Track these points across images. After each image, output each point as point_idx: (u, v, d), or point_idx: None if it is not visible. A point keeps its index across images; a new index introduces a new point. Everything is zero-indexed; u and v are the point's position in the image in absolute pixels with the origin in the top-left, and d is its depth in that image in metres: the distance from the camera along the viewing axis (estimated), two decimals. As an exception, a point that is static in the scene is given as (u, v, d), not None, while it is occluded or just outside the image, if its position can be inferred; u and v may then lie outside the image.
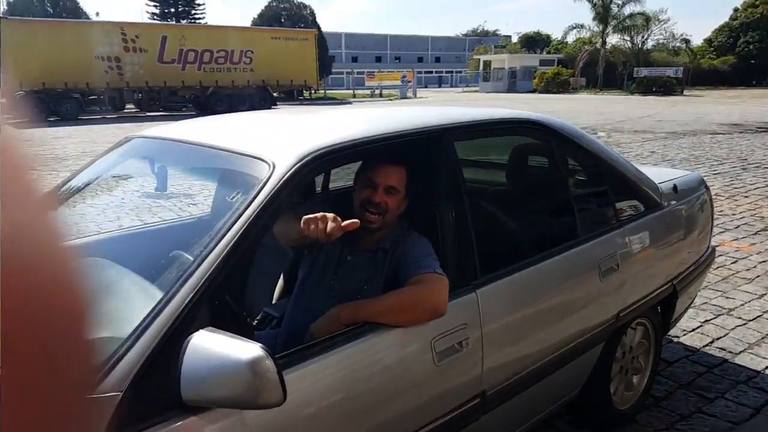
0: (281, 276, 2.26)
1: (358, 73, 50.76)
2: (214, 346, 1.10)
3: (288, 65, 25.94)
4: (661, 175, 2.86)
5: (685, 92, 38.62)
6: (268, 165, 1.44)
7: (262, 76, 25.52)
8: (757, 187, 7.76)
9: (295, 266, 2.06)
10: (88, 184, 2.03)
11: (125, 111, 25.26)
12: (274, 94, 27.04)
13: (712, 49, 51.38)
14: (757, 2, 48.76)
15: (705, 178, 8.61)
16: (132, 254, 2.01)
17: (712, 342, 3.30)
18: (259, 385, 1.07)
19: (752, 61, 47.69)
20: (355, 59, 71.38)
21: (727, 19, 51.66)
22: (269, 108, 25.30)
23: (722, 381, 2.88)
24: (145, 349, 1.11)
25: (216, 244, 1.26)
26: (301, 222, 1.48)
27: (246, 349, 1.08)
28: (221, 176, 1.96)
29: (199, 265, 1.22)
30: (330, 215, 1.46)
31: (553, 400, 2.13)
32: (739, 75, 47.24)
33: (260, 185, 1.38)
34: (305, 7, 51.73)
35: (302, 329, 1.61)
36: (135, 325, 1.16)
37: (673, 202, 2.67)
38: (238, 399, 1.09)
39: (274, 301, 2.24)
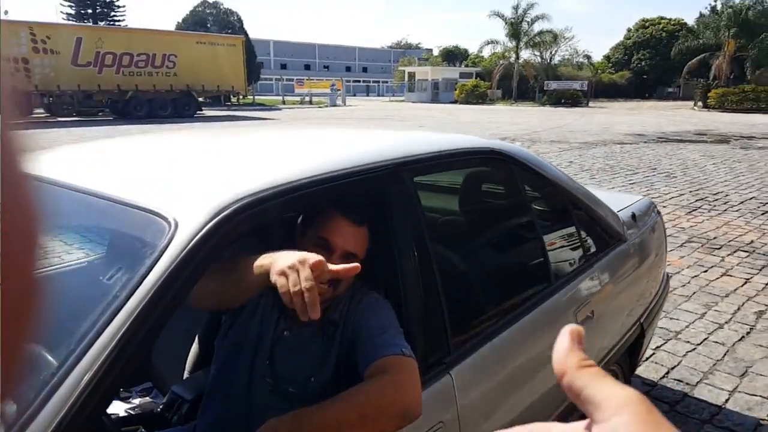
0: (196, 339, 1.81)
1: (287, 79, 50.16)
2: None
3: (214, 71, 25.36)
4: (612, 201, 2.63)
5: (590, 104, 41.05)
6: (169, 224, 1.01)
7: (187, 81, 24.71)
8: (672, 197, 8.02)
9: (213, 328, 1.61)
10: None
11: (33, 115, 23.35)
12: (200, 99, 26.07)
13: (610, 64, 56.80)
14: (647, 24, 54.46)
15: (623, 188, 8.82)
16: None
17: (668, 373, 3.15)
18: None
19: (644, 76, 53.48)
20: (284, 66, 70.67)
21: (621, 38, 56.79)
22: (193, 114, 24.35)
23: (687, 421, 2.70)
24: None
25: (73, 366, 0.82)
26: (276, 270, 1.03)
27: None
28: (103, 239, 1.46)
29: (42, 404, 0.79)
30: (314, 258, 1.03)
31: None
32: (635, 88, 53.08)
33: (153, 257, 0.95)
34: (232, 13, 50.66)
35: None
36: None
37: (633, 232, 2.46)
38: None
39: (186, 374, 1.79)
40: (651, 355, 3.33)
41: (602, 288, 2.05)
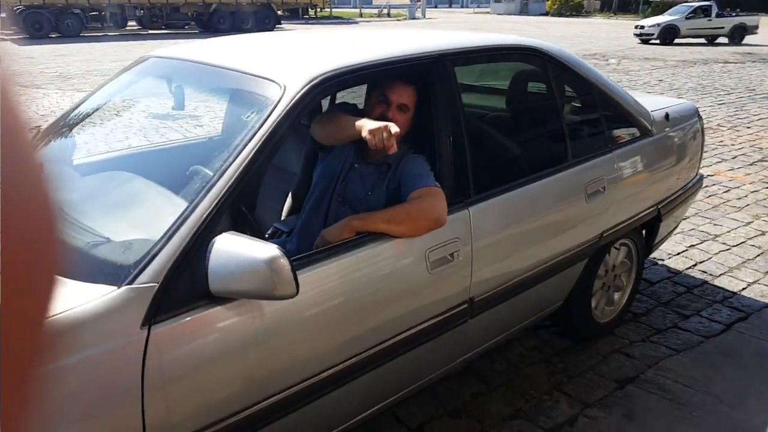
0: (289, 195, 2.41)
1: (365, -10, 48.86)
2: (236, 247, 1.27)
3: (293, -18, 25.22)
4: (655, 103, 2.94)
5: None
6: (280, 87, 1.56)
7: (266, -7, 24.85)
8: (761, 118, 7.78)
9: (302, 185, 2.20)
10: (108, 102, 2.15)
11: (127, 28, 24.78)
12: (279, 12, 26.37)
13: None
14: None
15: (710, 108, 8.63)
16: (154, 169, 2.15)
17: (695, 265, 3.50)
18: (276, 280, 1.25)
19: None
20: (362, -24, 68.51)
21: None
22: (273, 27, 24.88)
23: (699, 300, 3.09)
24: (176, 248, 1.28)
25: (234, 159, 1.41)
26: (366, 131, 1.61)
27: (264, 249, 1.25)
28: (235, 96, 2.06)
29: (219, 177, 1.38)
30: (394, 128, 1.59)
31: (537, 310, 2.34)
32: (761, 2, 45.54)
33: (272, 106, 1.51)
34: None
35: (311, 229, 1.80)
36: (164, 229, 1.33)
37: (665, 130, 2.78)
38: (258, 291, 1.28)
39: (282, 218, 2.41)
40: (683, 251, 3.68)
41: (618, 171, 2.44)
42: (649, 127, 2.66)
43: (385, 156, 1.85)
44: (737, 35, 19.81)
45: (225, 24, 23.98)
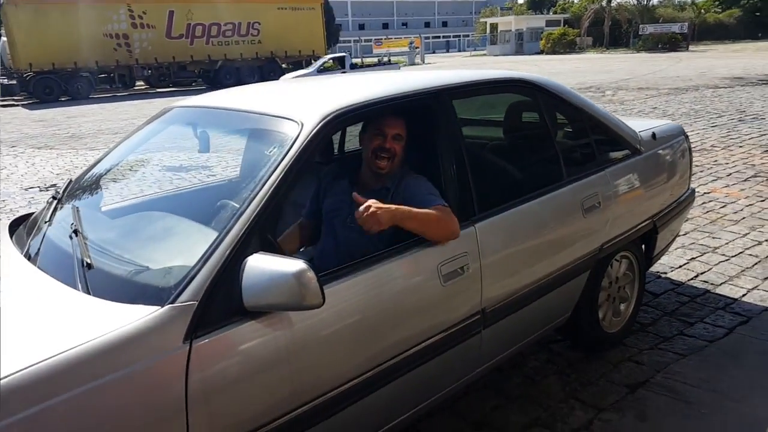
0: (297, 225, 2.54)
1: (365, 40, 50.35)
2: (267, 264, 1.43)
3: (295, 35, 26.19)
4: (643, 125, 3.13)
5: (691, 48, 38.34)
6: (297, 123, 1.75)
7: (270, 48, 25.78)
8: (752, 137, 8.01)
9: (310, 216, 2.32)
10: (135, 151, 2.34)
11: (135, 88, 25.55)
12: (283, 66, 27.16)
13: (717, 2, 50.45)
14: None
15: (703, 131, 8.85)
16: (182, 207, 2.33)
17: (696, 276, 3.62)
18: (304, 292, 1.39)
19: (757, 14, 46.79)
20: (362, 27, 70.82)
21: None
22: (277, 80, 25.60)
23: (703, 308, 3.21)
24: (212, 269, 1.43)
25: (261, 188, 1.57)
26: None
27: (292, 264, 1.40)
28: (257, 136, 2.23)
29: (248, 204, 1.54)
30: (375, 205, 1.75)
31: (547, 322, 2.46)
32: (745, 28, 46.53)
33: (292, 140, 1.69)
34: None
35: (327, 253, 1.96)
36: (200, 254, 1.47)
37: (653, 148, 2.95)
38: (288, 303, 1.42)
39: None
40: (684, 264, 3.80)
41: (612, 187, 2.60)
42: (638, 147, 2.84)
43: (384, 182, 2.03)
44: None
45: (231, 79, 24.56)
